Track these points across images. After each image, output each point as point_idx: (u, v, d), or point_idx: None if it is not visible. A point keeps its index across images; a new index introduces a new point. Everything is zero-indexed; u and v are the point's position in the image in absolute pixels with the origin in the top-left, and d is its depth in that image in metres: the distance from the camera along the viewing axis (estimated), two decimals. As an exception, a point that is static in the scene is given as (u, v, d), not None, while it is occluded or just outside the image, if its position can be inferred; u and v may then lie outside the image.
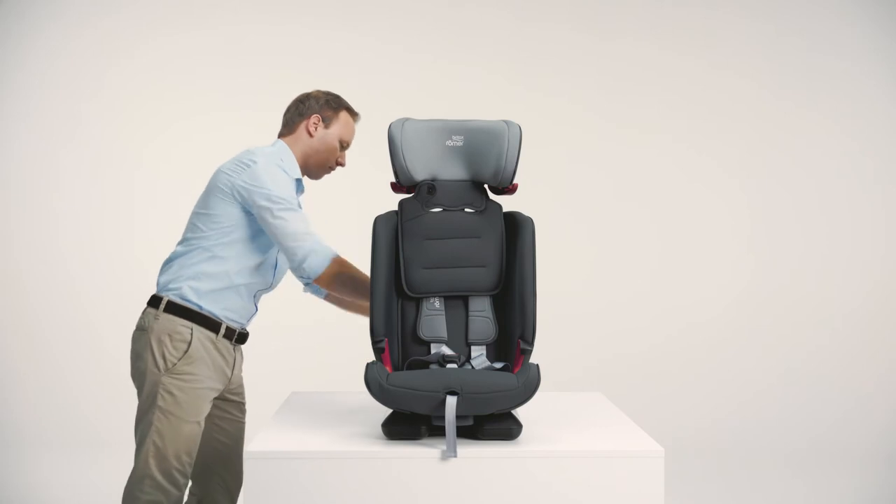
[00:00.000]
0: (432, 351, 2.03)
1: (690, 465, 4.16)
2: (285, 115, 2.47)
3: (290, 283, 2.54)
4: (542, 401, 2.17)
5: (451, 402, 1.79)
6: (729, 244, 4.80)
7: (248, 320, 2.41)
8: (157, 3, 4.69)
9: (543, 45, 4.83)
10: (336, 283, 2.25)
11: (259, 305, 2.43)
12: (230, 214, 2.26)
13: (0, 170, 4.60)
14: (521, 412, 2.03)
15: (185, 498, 2.33)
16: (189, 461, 2.27)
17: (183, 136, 4.62)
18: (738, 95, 4.80)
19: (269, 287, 2.43)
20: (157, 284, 2.32)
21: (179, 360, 2.23)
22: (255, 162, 2.26)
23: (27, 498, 3.75)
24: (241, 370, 2.47)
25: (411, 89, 4.73)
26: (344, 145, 2.47)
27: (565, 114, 4.81)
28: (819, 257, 4.76)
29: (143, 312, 2.30)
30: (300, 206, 2.31)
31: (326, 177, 2.52)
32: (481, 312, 2.07)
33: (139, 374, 2.28)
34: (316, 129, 2.42)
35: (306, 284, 2.41)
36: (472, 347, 2.05)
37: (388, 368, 1.93)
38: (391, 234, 2.05)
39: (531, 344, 1.95)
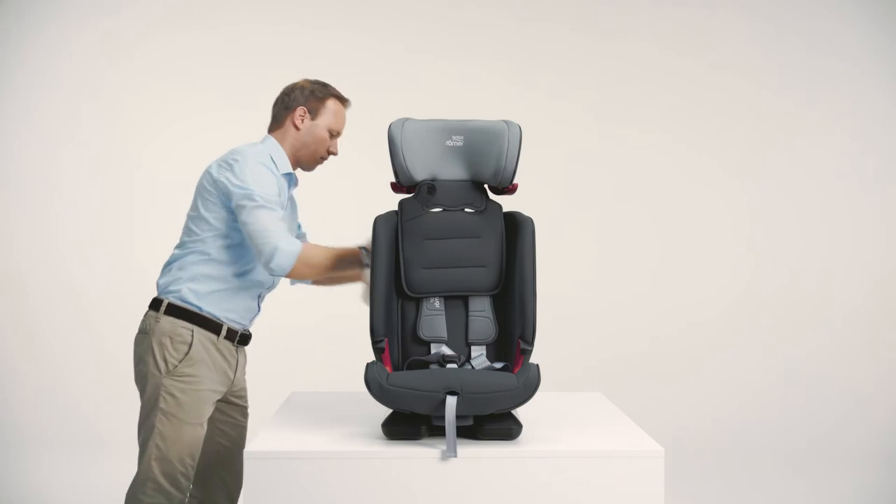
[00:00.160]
0: (432, 351, 2.04)
1: (690, 465, 4.16)
2: (273, 108, 2.42)
3: (288, 283, 2.54)
4: (542, 401, 2.17)
5: (451, 402, 1.79)
6: (729, 244, 4.80)
7: (251, 321, 2.40)
8: (157, 3, 4.69)
9: (543, 45, 4.82)
10: (307, 273, 2.22)
11: (262, 305, 2.42)
12: (219, 217, 2.24)
13: (0, 170, 4.60)
14: (521, 412, 2.03)
15: (186, 500, 2.32)
16: (192, 464, 2.26)
17: (183, 136, 4.61)
18: (738, 95, 4.79)
19: (272, 286, 2.41)
20: (158, 287, 2.31)
21: (180, 361, 2.22)
22: (237, 161, 2.22)
23: (27, 498, 3.75)
24: (244, 372, 2.45)
25: (411, 89, 4.73)
26: (334, 134, 2.40)
27: (565, 114, 4.80)
28: (819, 257, 4.76)
29: (145, 315, 2.29)
30: (283, 206, 2.26)
31: (325, 173, 2.50)
32: (481, 312, 2.07)
33: (141, 377, 2.27)
34: (302, 121, 2.36)
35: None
36: (472, 347, 2.05)
37: (388, 368, 1.93)
38: (391, 234, 2.05)
39: (531, 344, 1.96)
